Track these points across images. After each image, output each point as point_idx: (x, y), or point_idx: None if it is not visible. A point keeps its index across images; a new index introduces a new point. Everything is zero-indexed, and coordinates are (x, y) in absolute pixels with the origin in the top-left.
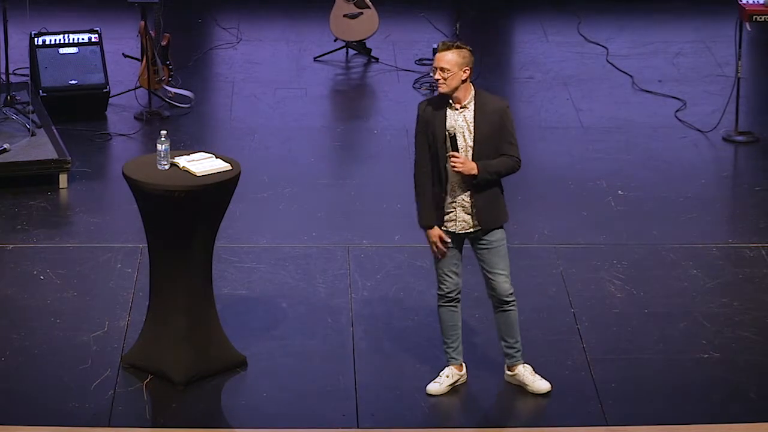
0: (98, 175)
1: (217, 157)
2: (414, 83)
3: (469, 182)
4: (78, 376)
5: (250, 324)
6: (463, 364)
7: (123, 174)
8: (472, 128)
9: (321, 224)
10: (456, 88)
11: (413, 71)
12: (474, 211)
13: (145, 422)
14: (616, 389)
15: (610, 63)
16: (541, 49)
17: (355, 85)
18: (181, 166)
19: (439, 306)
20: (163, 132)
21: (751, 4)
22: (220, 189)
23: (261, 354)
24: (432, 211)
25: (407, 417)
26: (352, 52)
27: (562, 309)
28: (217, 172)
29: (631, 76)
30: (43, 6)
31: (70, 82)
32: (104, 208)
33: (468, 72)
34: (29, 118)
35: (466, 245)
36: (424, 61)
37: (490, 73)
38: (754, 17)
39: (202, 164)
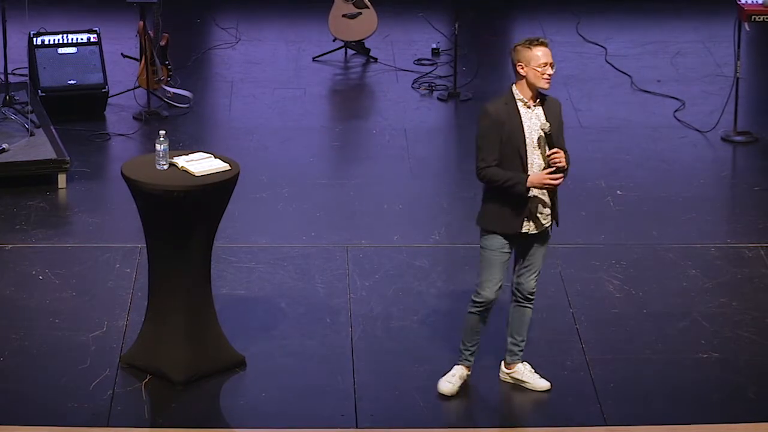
0: (97, 175)
1: (215, 157)
2: (413, 83)
3: None
4: (77, 376)
5: (249, 324)
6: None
7: (122, 174)
8: None
9: (320, 224)
10: None
11: (412, 71)
12: (548, 210)
13: (144, 422)
14: (615, 389)
15: (609, 63)
16: None
17: (354, 85)
18: (179, 166)
19: (472, 312)
20: (162, 132)
21: (750, 4)
22: (219, 189)
23: (260, 354)
24: (517, 174)
25: (406, 417)
26: (351, 52)
27: (560, 309)
28: (216, 172)
29: (630, 76)
30: (41, 6)
31: (69, 82)
32: (103, 208)
33: None
34: (28, 118)
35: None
36: (423, 61)
37: (488, 73)
38: (753, 17)
39: (200, 164)
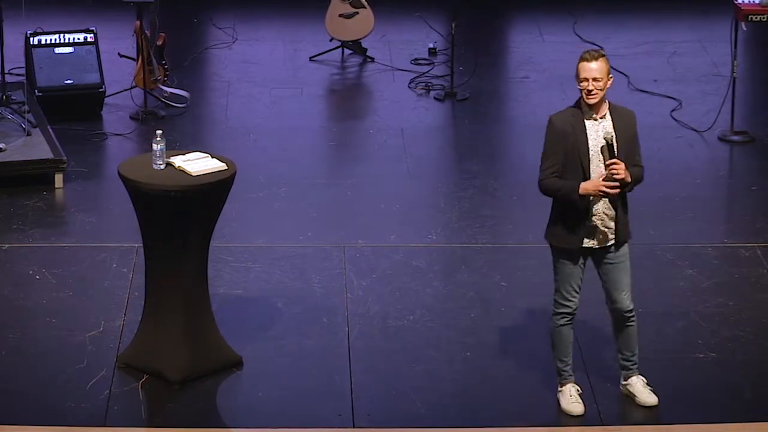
0: (94, 174)
1: (212, 157)
2: (409, 83)
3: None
4: (74, 375)
5: (246, 324)
6: None
7: (119, 174)
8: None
9: (316, 224)
10: (602, 98)
11: (409, 71)
12: (613, 224)
13: (141, 422)
14: (612, 389)
15: None
16: (537, 49)
17: (351, 85)
18: (176, 165)
19: (560, 325)
20: (159, 132)
21: (746, 4)
22: (216, 189)
23: (257, 354)
24: (571, 182)
25: (403, 417)
26: (347, 51)
27: None
28: (213, 172)
29: (626, 75)
30: (38, 5)
31: (66, 81)
32: (100, 207)
33: (612, 79)
34: (25, 118)
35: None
36: (420, 61)
37: (485, 73)
38: (750, 17)
39: (197, 164)
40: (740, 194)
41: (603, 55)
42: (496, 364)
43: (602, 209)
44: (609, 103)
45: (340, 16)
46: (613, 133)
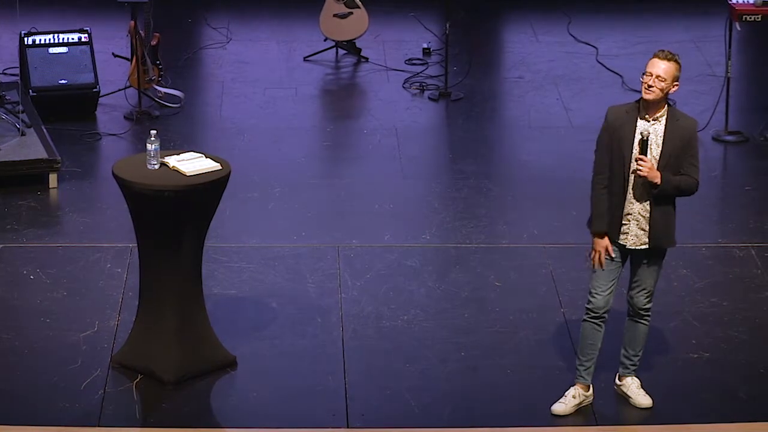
0: (88, 174)
1: (206, 157)
2: (404, 83)
3: (648, 194)
4: (68, 375)
5: (240, 324)
6: (591, 386)
7: (113, 174)
8: (660, 141)
9: (311, 224)
10: (660, 100)
11: (403, 71)
12: (648, 226)
13: (135, 422)
14: (606, 389)
15: (599, 63)
16: (531, 49)
17: (345, 85)
18: (171, 165)
19: (584, 321)
20: (153, 132)
21: (741, 4)
22: (210, 189)
23: (251, 354)
24: (605, 219)
25: (397, 417)
26: (342, 51)
27: (552, 309)
28: (207, 172)
29: (620, 75)
30: (33, 5)
31: (60, 81)
32: (94, 207)
33: (676, 87)
34: (19, 118)
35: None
36: (414, 61)
37: (480, 73)
38: (744, 17)
39: (192, 164)
40: (734, 194)
41: (677, 61)
42: (490, 364)
43: (638, 210)
44: (670, 110)
45: (335, 16)
46: (650, 133)
